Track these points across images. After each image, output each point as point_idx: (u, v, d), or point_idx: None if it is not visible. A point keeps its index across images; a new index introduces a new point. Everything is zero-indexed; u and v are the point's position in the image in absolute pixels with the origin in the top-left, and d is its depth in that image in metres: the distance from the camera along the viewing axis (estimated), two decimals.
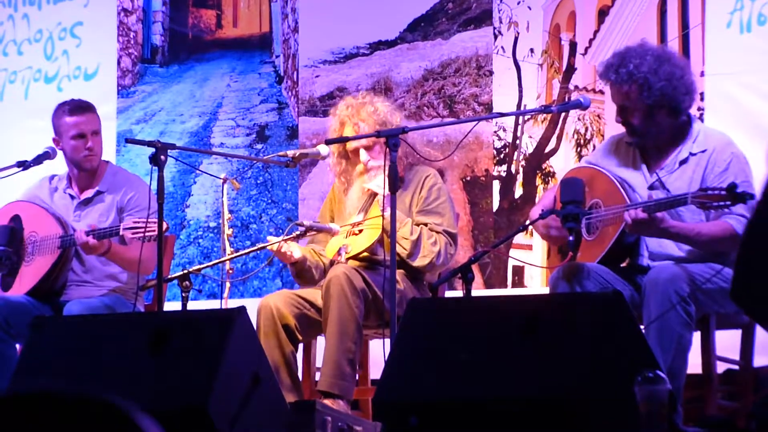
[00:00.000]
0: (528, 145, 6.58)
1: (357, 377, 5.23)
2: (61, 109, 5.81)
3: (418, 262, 5.30)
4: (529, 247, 6.48)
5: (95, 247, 5.44)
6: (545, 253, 6.41)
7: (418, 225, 5.35)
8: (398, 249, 5.18)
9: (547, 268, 6.26)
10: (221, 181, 5.49)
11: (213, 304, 6.89)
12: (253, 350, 4.20)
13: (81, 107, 5.80)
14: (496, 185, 6.65)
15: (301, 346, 5.33)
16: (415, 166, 5.51)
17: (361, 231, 5.38)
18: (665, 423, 3.49)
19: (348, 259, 5.33)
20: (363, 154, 5.40)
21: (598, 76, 5.01)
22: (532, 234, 6.33)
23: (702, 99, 6.00)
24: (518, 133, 6.61)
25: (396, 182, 4.73)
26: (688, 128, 4.91)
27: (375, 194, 5.38)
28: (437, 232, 5.34)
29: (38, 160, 5.80)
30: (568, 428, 3.64)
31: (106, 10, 7.80)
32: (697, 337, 4.74)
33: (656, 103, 4.80)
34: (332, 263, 5.39)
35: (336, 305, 5.07)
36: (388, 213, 5.05)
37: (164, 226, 5.03)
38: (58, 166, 6.00)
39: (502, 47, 6.68)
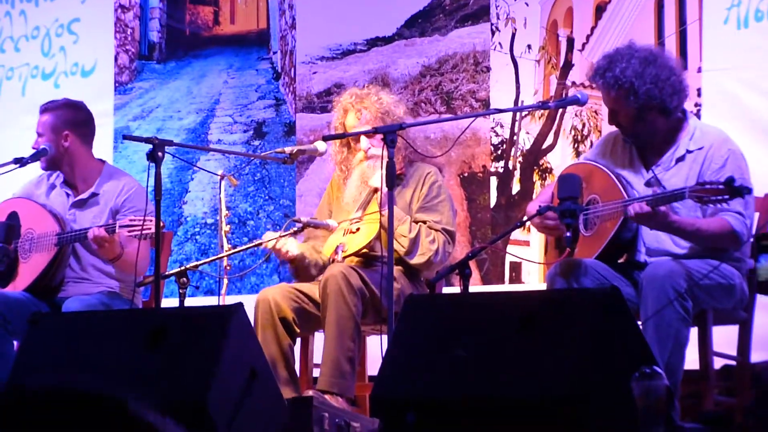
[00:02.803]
0: (525, 141, 6.58)
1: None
2: None
3: (416, 260, 5.30)
4: (527, 243, 6.48)
5: (107, 241, 5.38)
6: (542, 249, 6.41)
7: (416, 222, 5.35)
8: (396, 246, 5.19)
9: (544, 264, 6.26)
10: (219, 177, 5.49)
11: (210, 301, 6.89)
12: (251, 346, 4.20)
13: (41, 108, 5.82)
14: (494, 181, 6.65)
15: (298, 340, 5.33)
16: (416, 162, 5.51)
17: (358, 229, 5.38)
18: (662, 418, 3.49)
19: (345, 257, 5.32)
20: (364, 141, 5.41)
21: (587, 79, 5.01)
22: (529, 230, 6.33)
23: (699, 95, 6.00)
24: (515, 130, 6.62)
25: (393, 178, 4.72)
26: (684, 125, 4.92)
27: (374, 191, 5.38)
28: (436, 230, 5.34)
29: (35, 157, 5.79)
30: (566, 424, 3.64)
31: (103, 7, 7.80)
32: (694, 332, 4.74)
33: (644, 105, 4.80)
34: (330, 261, 5.39)
35: (334, 304, 5.07)
36: (386, 211, 5.05)
37: (161, 224, 5.02)
38: None
39: (500, 43, 6.68)
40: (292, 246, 5.34)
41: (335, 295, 5.07)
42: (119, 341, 4.26)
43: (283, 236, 5.27)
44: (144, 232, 5.21)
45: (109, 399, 1.39)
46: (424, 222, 5.35)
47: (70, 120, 5.79)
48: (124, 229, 5.29)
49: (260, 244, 5.32)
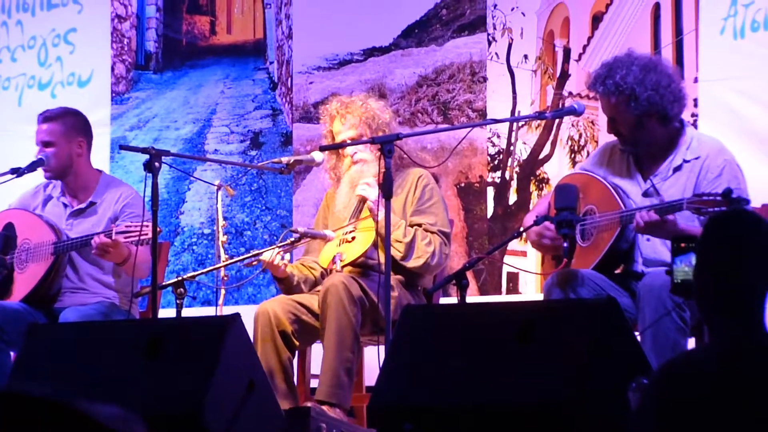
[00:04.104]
0: (522, 151, 6.58)
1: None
2: None
3: (412, 263, 5.30)
4: (524, 254, 6.48)
5: (112, 247, 5.34)
6: (539, 260, 6.40)
7: (412, 226, 5.35)
8: (392, 252, 5.19)
9: (541, 274, 6.25)
10: (215, 187, 5.48)
11: (207, 311, 6.88)
12: (248, 357, 4.20)
13: (42, 116, 5.78)
14: (491, 192, 6.66)
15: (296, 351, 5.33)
16: (406, 168, 5.53)
17: (354, 238, 5.38)
18: None
19: (343, 267, 5.32)
20: (349, 146, 5.42)
21: (586, 87, 5.01)
22: (526, 240, 6.32)
23: (696, 105, 6.01)
24: (512, 140, 6.62)
25: (391, 189, 4.73)
26: (681, 135, 4.92)
27: (365, 199, 5.38)
28: (432, 233, 5.35)
29: (32, 167, 5.78)
30: None
31: (100, 17, 7.80)
32: (691, 343, 4.74)
33: (645, 112, 4.81)
34: (327, 272, 5.38)
35: (334, 314, 5.06)
36: (380, 217, 5.05)
37: (158, 230, 5.01)
38: None
39: (496, 53, 6.68)
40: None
41: (336, 305, 5.06)
42: (116, 352, 4.25)
43: (281, 246, 5.26)
44: (141, 238, 5.20)
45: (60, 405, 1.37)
46: (420, 225, 5.36)
47: (80, 126, 5.78)
48: (120, 236, 5.27)
49: (259, 254, 5.32)
